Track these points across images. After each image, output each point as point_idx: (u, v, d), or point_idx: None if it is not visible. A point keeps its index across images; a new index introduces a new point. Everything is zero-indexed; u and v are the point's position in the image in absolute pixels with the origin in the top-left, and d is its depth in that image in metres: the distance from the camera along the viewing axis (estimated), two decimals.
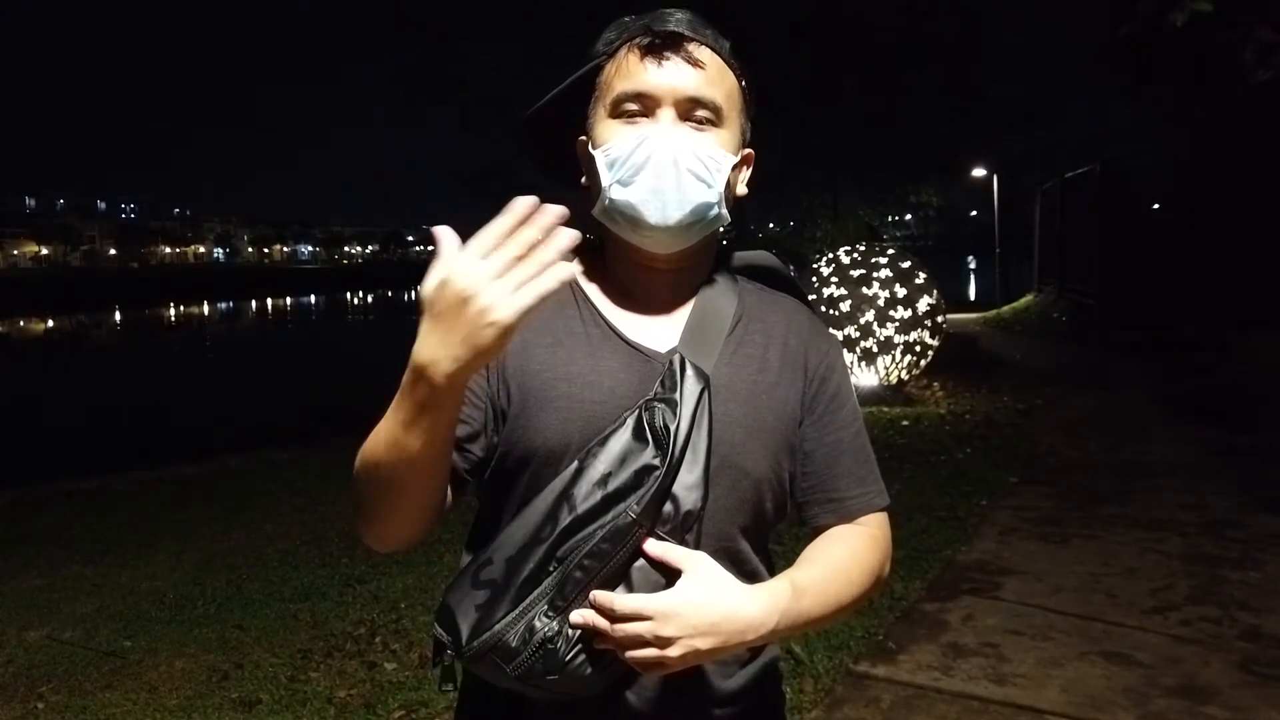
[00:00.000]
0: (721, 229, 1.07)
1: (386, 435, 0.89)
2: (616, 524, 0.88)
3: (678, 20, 1.02)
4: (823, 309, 8.04)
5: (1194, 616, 3.60)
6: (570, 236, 0.80)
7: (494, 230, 0.80)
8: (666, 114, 0.99)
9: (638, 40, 1.01)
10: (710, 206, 1.00)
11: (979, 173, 20.86)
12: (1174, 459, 6.13)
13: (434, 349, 0.82)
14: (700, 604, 0.88)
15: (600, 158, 1.00)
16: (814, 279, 8.37)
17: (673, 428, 0.91)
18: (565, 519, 0.90)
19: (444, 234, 0.82)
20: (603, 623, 0.88)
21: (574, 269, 0.82)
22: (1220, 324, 9.96)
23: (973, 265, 44.92)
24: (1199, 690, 3.02)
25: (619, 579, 0.90)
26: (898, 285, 8.10)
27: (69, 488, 6.96)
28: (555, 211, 0.80)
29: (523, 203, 0.80)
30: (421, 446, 0.88)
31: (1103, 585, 3.95)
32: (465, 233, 0.82)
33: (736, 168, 1.05)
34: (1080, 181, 15.77)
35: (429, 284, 0.82)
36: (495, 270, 0.79)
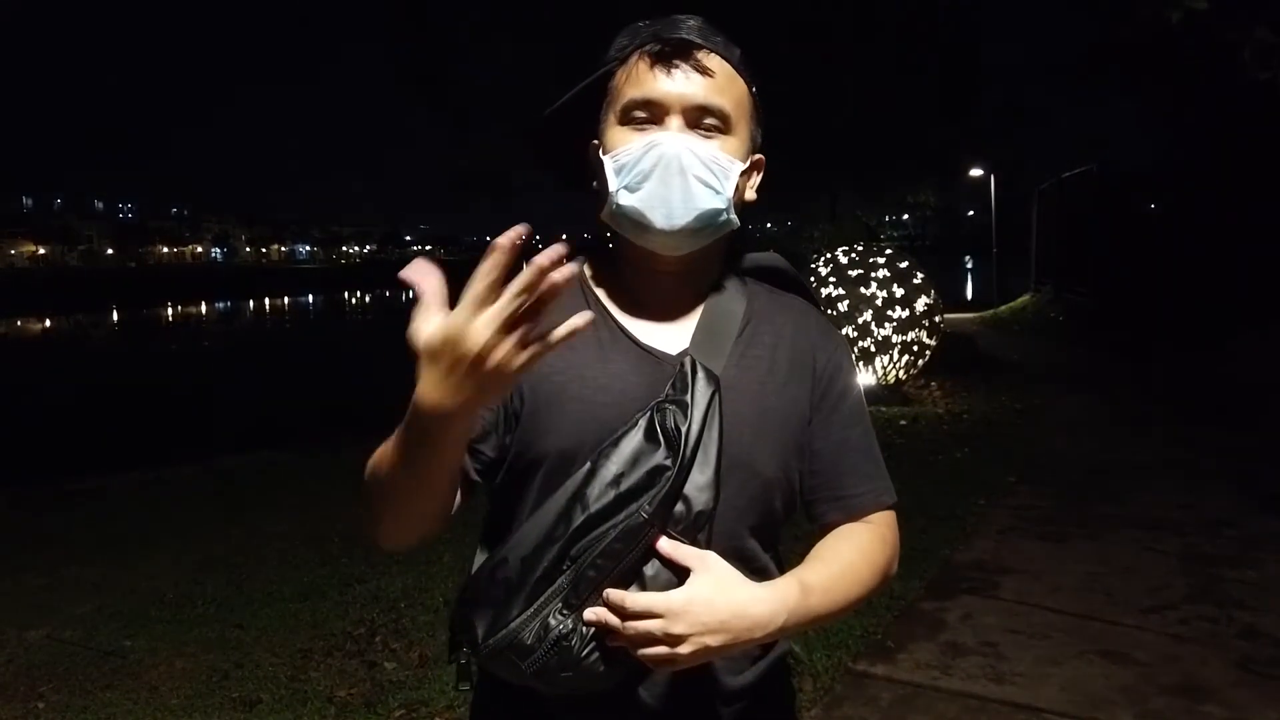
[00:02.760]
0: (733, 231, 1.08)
1: (394, 453, 0.90)
2: (629, 524, 0.90)
3: (689, 27, 1.03)
4: (821, 309, 8.04)
5: (1192, 615, 3.61)
6: (569, 272, 0.76)
7: (485, 278, 0.76)
8: (674, 121, 1.00)
9: (648, 48, 1.02)
10: (719, 212, 1.01)
11: (976, 173, 20.84)
12: (1172, 459, 6.15)
13: (439, 395, 0.80)
14: (710, 602, 0.90)
15: (609, 163, 1.02)
16: (812, 279, 8.38)
17: (684, 429, 0.92)
18: (579, 519, 0.91)
19: (422, 279, 0.79)
20: (614, 620, 0.90)
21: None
22: (1219, 324, 9.96)
23: (970, 265, 44.96)
24: (1197, 689, 3.03)
25: (632, 577, 0.92)
26: (895, 285, 8.12)
27: (69, 488, 6.95)
28: (552, 253, 0.76)
29: (504, 242, 0.76)
30: (429, 467, 0.89)
31: (1101, 584, 3.96)
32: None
33: (746, 173, 1.06)
34: (1078, 181, 15.76)
35: (424, 333, 0.78)
36: (498, 323, 0.76)
